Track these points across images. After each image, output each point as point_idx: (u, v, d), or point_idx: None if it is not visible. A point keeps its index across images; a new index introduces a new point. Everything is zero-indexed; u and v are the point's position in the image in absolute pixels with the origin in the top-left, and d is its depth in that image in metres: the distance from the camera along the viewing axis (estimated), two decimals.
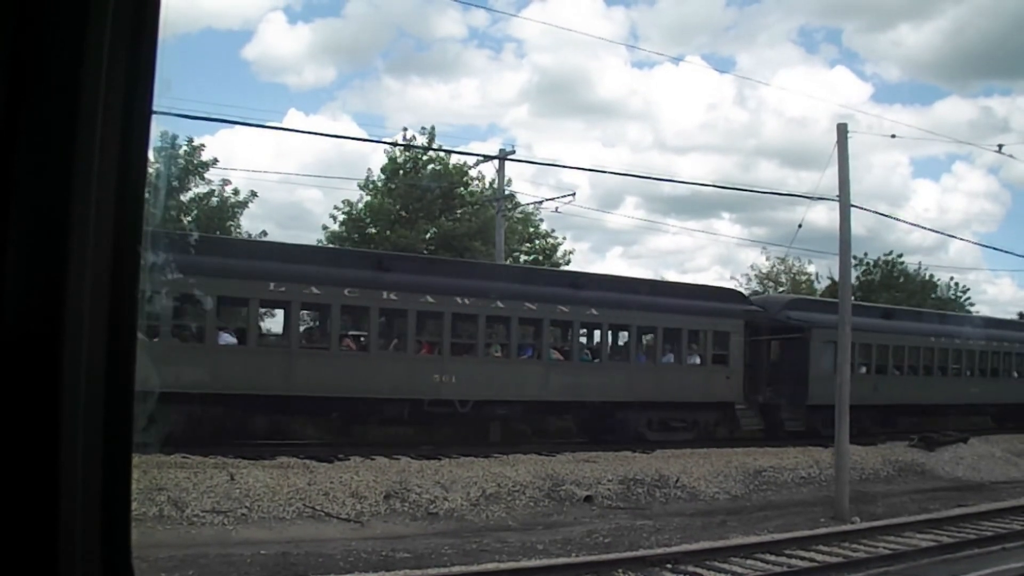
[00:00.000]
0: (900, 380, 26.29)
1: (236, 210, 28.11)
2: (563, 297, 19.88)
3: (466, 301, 18.40)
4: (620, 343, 22.02)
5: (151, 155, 1.50)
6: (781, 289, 40.90)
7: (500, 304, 18.78)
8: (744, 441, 22.50)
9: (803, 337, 23.70)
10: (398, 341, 18.46)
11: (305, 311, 19.30)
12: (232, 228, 27.61)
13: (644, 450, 19.79)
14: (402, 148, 29.69)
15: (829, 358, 23.34)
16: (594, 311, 20.33)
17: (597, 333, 21.69)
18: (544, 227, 32.94)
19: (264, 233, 28.98)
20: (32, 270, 1.25)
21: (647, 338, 22.11)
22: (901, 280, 42.02)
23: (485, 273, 21.16)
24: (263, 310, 18.43)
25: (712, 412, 22.39)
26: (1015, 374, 30.35)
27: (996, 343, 29.39)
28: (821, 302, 27.86)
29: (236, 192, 27.83)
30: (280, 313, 18.74)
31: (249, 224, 29.64)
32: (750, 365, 23.53)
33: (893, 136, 27.62)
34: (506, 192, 26.81)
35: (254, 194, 28.30)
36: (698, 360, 22.32)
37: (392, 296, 17.59)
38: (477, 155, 30.91)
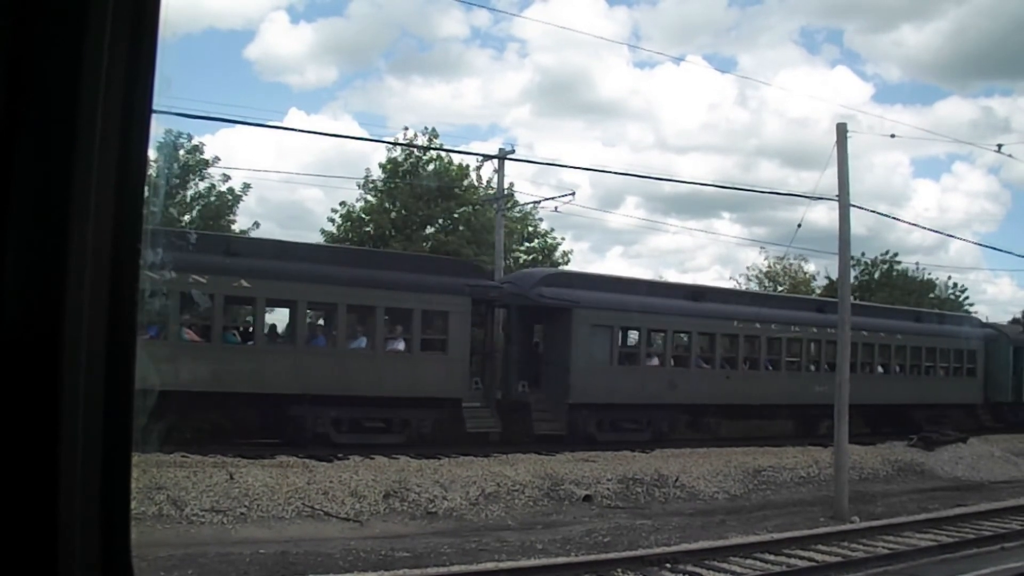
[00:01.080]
0: (710, 375, 22.25)
1: (232, 204, 28.09)
2: (202, 265, 15.68)
3: None
4: (287, 323, 18.02)
5: (151, 154, 1.51)
6: (781, 288, 40.22)
7: None
8: (744, 440, 22.48)
9: (563, 320, 19.86)
10: None
11: None
12: (228, 224, 27.60)
13: (643, 449, 19.78)
14: (402, 149, 29.73)
15: (599, 345, 20.29)
16: (244, 282, 16.41)
17: (249, 310, 17.54)
18: (544, 226, 33.01)
19: (257, 225, 29.06)
20: (32, 269, 1.25)
21: (323, 316, 18.51)
22: (900, 281, 41.84)
23: None
24: None
25: (428, 410, 18.22)
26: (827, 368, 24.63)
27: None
28: (587, 277, 23.08)
29: (231, 191, 27.81)
30: None
31: (249, 221, 29.68)
32: (492, 353, 19.97)
33: (893, 136, 27.52)
34: (505, 191, 26.81)
35: (247, 186, 28.27)
36: (402, 346, 18.27)
37: None
38: (477, 154, 30.91)
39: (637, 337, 21.68)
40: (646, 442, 20.35)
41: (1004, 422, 28.83)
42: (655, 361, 21.63)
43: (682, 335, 22.25)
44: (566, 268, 27.05)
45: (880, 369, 26.14)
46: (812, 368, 24.11)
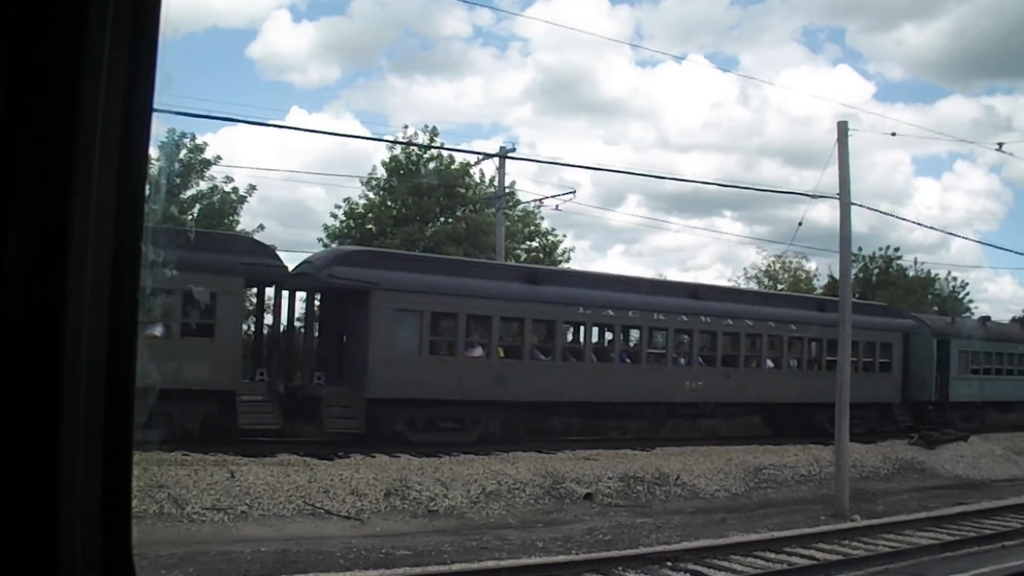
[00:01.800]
0: (549, 369, 19.64)
1: (236, 205, 28.06)
2: None
3: None
4: None
5: (152, 152, 1.50)
6: (781, 287, 40.04)
7: None
8: (743, 439, 22.49)
9: (361, 303, 17.53)
10: None
11: None
12: (232, 224, 27.56)
13: (645, 447, 19.78)
14: (403, 146, 29.78)
15: (404, 332, 17.81)
16: None
17: None
18: (545, 225, 33.02)
19: (262, 227, 29.03)
20: (32, 268, 1.25)
21: None
22: (901, 279, 41.70)
23: None
24: None
25: (194, 404, 15.65)
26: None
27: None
28: (395, 256, 20.37)
29: (235, 191, 27.80)
30: None
31: (251, 221, 29.71)
32: (278, 342, 18.47)
33: (894, 134, 27.57)
34: (506, 190, 26.80)
35: (253, 187, 28.24)
36: (159, 331, 15.91)
37: None
38: (478, 152, 30.86)
39: (454, 324, 18.78)
40: (472, 443, 18.09)
41: (927, 424, 25.57)
42: (478, 351, 18.84)
43: (512, 322, 19.39)
44: (364, 248, 22.62)
45: (769, 363, 23.06)
46: (683, 361, 21.56)
